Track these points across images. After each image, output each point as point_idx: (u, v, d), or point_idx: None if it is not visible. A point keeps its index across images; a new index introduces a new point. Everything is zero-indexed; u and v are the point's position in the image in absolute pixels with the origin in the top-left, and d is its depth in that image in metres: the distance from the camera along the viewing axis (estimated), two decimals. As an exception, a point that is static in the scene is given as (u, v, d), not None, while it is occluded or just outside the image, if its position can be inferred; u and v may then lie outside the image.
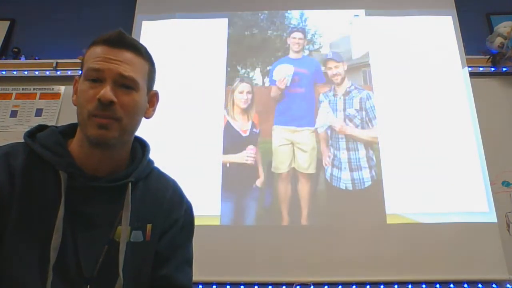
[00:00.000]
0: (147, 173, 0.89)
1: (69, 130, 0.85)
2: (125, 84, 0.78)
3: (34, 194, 0.76)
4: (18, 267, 0.73)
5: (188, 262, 0.92)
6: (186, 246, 0.92)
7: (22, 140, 0.82)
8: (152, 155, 0.94)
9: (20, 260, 0.73)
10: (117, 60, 0.78)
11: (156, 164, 0.96)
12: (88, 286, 0.76)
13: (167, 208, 0.89)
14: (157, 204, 0.88)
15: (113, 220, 0.81)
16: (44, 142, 0.80)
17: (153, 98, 0.89)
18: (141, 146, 0.91)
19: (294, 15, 2.38)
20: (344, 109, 2.17)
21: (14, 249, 0.73)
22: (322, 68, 2.25)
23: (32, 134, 0.83)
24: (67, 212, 0.76)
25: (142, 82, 0.82)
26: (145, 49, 0.85)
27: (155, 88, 0.90)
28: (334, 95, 2.19)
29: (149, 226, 0.85)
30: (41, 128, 0.85)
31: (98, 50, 0.79)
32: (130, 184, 0.82)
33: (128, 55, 0.79)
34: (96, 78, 0.77)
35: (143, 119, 0.86)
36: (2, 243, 0.73)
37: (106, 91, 0.75)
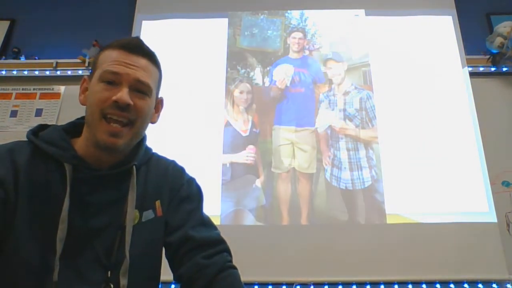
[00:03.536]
0: (147, 158, 0.92)
1: (71, 129, 0.87)
2: (140, 89, 0.81)
3: (40, 188, 0.77)
4: (26, 259, 0.74)
5: (204, 223, 0.92)
6: (196, 213, 0.92)
7: (24, 139, 0.84)
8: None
9: (28, 252, 0.74)
10: (134, 66, 0.81)
11: None
12: (109, 272, 0.79)
13: (170, 182, 0.92)
14: (160, 181, 0.91)
15: (122, 206, 0.83)
16: (48, 138, 0.82)
17: (158, 105, 0.92)
18: None
19: (294, 15, 2.38)
20: (344, 109, 2.17)
21: (22, 243, 0.74)
22: (322, 68, 2.25)
23: (34, 132, 0.84)
24: (76, 204, 0.78)
25: (154, 88, 0.86)
26: (157, 57, 0.88)
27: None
28: (334, 95, 2.19)
29: (157, 202, 0.88)
30: (42, 127, 0.87)
31: (115, 54, 0.81)
32: (134, 167, 0.85)
33: (144, 62, 0.83)
34: (112, 80, 0.79)
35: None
36: (10, 237, 0.74)
37: (124, 94, 0.78)
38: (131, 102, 0.78)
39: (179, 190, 0.92)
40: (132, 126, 0.80)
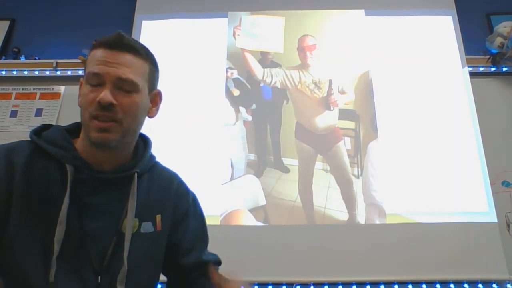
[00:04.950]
0: (150, 166, 0.91)
1: (74, 129, 0.87)
2: (123, 87, 0.80)
3: (39, 188, 0.77)
4: (23, 258, 0.74)
5: (206, 244, 0.99)
6: (203, 232, 0.98)
7: (25, 139, 0.84)
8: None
9: (25, 252, 0.74)
10: (115, 63, 0.79)
11: None
12: (99, 277, 0.78)
13: (174, 199, 0.92)
14: (164, 195, 0.91)
15: (120, 212, 0.82)
16: (50, 138, 0.82)
17: (156, 98, 0.90)
18: (143, 142, 0.93)
19: (294, 15, 2.36)
20: (344, 109, 2.17)
21: (18, 242, 0.74)
22: (322, 68, 2.25)
23: (37, 132, 0.84)
24: (74, 204, 0.78)
25: (143, 83, 0.83)
26: (146, 49, 0.86)
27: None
28: (334, 95, 2.19)
29: (158, 216, 0.88)
30: (45, 127, 0.87)
31: (98, 53, 0.81)
32: (136, 175, 0.84)
33: (127, 57, 0.81)
34: (96, 82, 0.79)
35: (147, 118, 0.88)
36: (6, 237, 0.74)
37: (105, 94, 0.77)
38: (114, 101, 0.77)
39: (187, 211, 0.95)
40: (120, 124, 0.79)
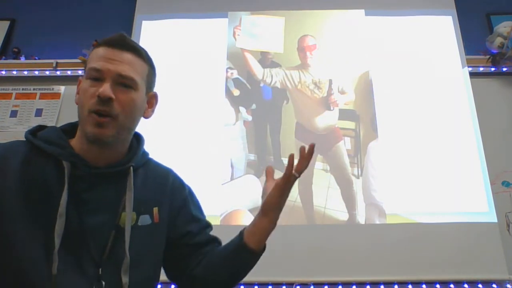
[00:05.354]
0: (144, 162, 0.93)
1: (69, 129, 0.89)
2: (123, 83, 0.82)
3: (37, 186, 0.78)
4: (24, 254, 0.75)
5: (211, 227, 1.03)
6: (205, 218, 1.01)
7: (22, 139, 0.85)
8: (151, 155, 0.97)
9: (25, 248, 0.75)
10: (117, 61, 0.82)
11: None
12: (100, 269, 0.79)
13: (171, 192, 0.94)
14: (160, 188, 0.93)
15: (117, 207, 0.84)
16: (46, 137, 0.83)
17: (152, 100, 0.92)
18: (136, 139, 0.95)
19: (294, 15, 2.37)
20: (344, 109, 2.17)
21: (19, 239, 0.75)
22: (322, 68, 2.25)
23: (33, 132, 0.86)
24: (72, 200, 0.79)
25: (141, 82, 0.85)
26: (146, 52, 0.89)
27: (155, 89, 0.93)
28: (334, 95, 2.19)
29: (155, 209, 0.90)
30: (41, 127, 0.88)
31: (100, 51, 0.83)
32: (131, 168, 0.86)
33: (128, 56, 0.84)
34: (97, 77, 0.81)
35: (142, 119, 0.90)
36: (5, 235, 0.75)
37: (105, 88, 0.79)
38: (113, 96, 0.79)
39: (185, 202, 0.97)
40: (115, 119, 0.81)
